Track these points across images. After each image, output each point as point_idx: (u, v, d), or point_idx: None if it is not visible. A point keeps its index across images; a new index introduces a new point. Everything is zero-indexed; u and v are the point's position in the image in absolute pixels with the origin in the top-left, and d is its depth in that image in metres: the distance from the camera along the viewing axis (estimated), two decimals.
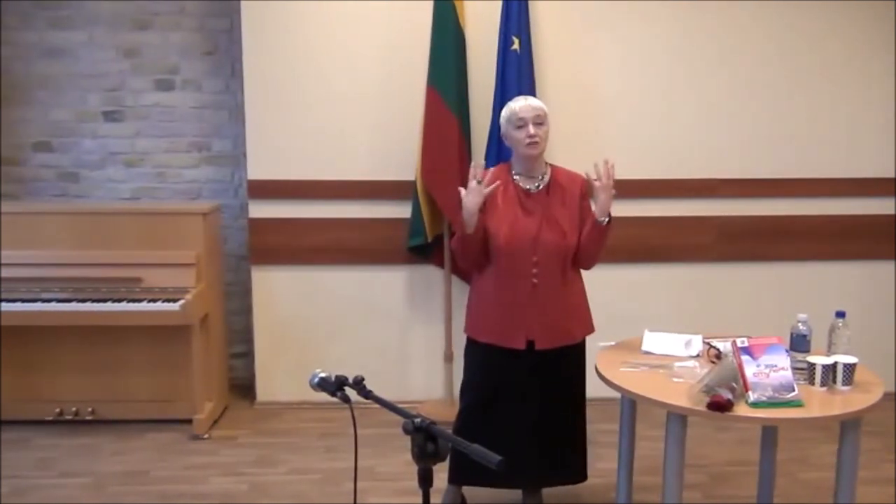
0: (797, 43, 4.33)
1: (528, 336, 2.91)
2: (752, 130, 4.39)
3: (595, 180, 2.82)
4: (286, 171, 4.28)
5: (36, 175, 4.60)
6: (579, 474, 3.14)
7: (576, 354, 3.03)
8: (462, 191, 2.82)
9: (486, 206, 2.87)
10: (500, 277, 2.91)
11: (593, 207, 2.90)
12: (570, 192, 2.95)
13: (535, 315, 2.89)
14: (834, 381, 2.56)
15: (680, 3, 4.26)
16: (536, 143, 2.86)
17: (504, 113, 2.94)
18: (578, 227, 2.92)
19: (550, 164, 3.03)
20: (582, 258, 2.97)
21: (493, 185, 2.82)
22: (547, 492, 3.26)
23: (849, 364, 2.55)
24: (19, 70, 4.50)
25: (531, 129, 2.84)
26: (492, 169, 3.03)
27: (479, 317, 3.00)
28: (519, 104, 2.90)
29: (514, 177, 2.97)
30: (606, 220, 2.86)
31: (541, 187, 2.94)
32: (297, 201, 4.30)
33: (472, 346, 3.05)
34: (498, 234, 2.87)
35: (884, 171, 4.46)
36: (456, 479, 3.11)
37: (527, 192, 2.94)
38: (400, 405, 1.80)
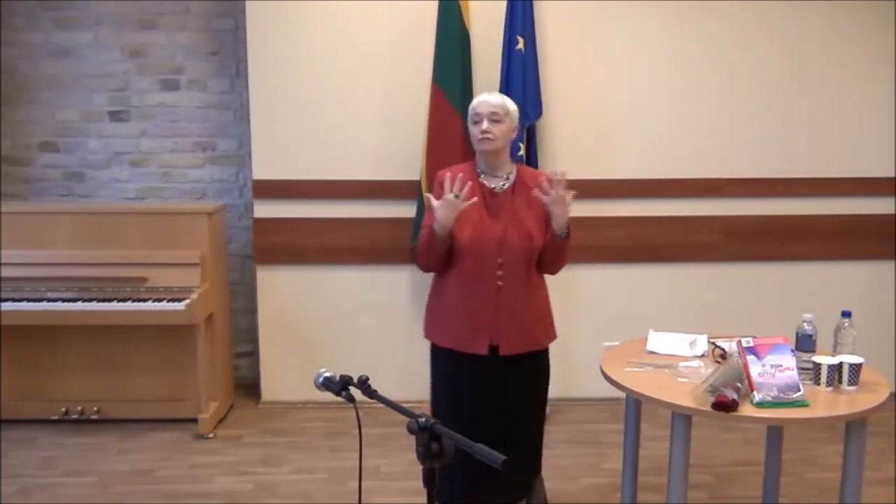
0: (800, 43, 4.33)
1: (492, 341, 2.79)
2: (756, 130, 4.38)
3: (544, 196, 2.68)
4: (291, 171, 4.29)
5: (42, 175, 4.62)
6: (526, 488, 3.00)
7: (541, 361, 2.94)
8: (433, 200, 2.70)
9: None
10: (464, 280, 2.80)
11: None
12: None
13: (499, 319, 2.79)
14: (839, 382, 2.56)
15: (685, 4, 4.26)
16: (489, 139, 2.77)
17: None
18: (544, 228, 2.82)
19: (517, 164, 2.96)
20: (545, 265, 2.89)
21: (471, 201, 2.69)
22: (551, 492, 3.26)
23: (854, 364, 2.55)
24: (25, 70, 4.52)
25: (484, 125, 2.76)
26: (456, 166, 2.92)
27: (439, 320, 2.90)
28: (477, 100, 2.84)
29: (479, 175, 2.87)
30: (565, 233, 2.77)
31: (506, 187, 2.85)
32: (301, 201, 4.31)
33: (434, 351, 2.95)
34: (462, 234, 2.76)
35: (886, 170, 4.45)
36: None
37: (492, 192, 2.84)
38: (404, 405, 1.80)
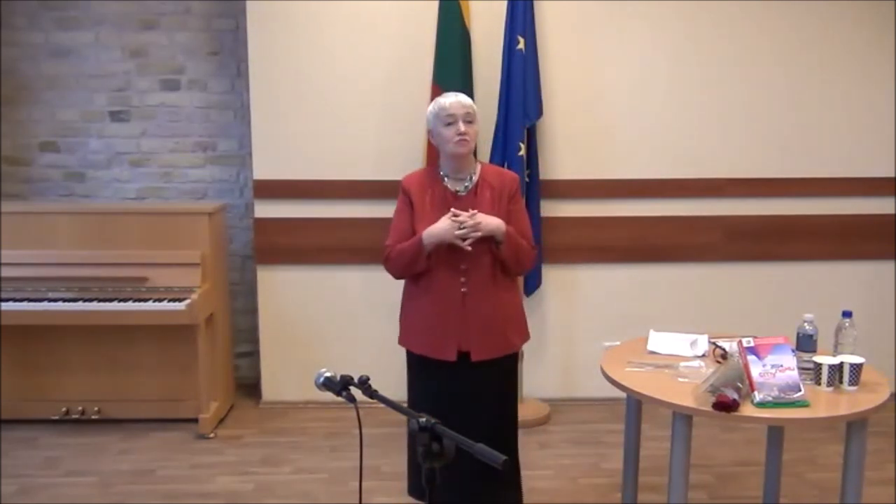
0: (799, 43, 4.32)
1: (461, 347, 2.75)
2: (757, 130, 4.38)
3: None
4: (292, 171, 4.29)
5: (43, 175, 4.62)
6: (514, 493, 2.96)
7: (511, 366, 2.90)
8: (445, 221, 2.68)
9: (414, 211, 2.78)
10: (430, 287, 2.77)
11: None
12: (498, 191, 2.80)
13: (467, 326, 2.74)
14: (840, 382, 2.56)
15: (685, 4, 4.26)
16: (466, 140, 2.69)
17: (432, 109, 2.78)
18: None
19: (480, 162, 2.90)
20: (503, 269, 2.80)
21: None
22: (551, 491, 3.26)
23: (855, 364, 2.55)
24: (26, 70, 4.52)
25: (461, 127, 2.68)
26: (417, 171, 2.88)
27: (410, 327, 2.87)
28: (449, 100, 2.73)
29: (443, 179, 2.81)
30: (500, 241, 2.73)
31: (469, 188, 2.80)
32: (302, 201, 4.31)
33: (408, 358, 2.92)
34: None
35: (886, 170, 4.45)
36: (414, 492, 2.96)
37: (455, 195, 2.79)
38: (405, 405, 1.80)
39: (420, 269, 2.76)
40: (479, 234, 2.66)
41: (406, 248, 2.76)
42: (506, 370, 2.89)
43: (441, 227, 2.68)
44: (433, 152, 4.02)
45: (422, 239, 2.70)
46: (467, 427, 2.61)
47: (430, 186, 2.81)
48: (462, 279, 2.74)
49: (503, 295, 2.82)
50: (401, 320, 2.94)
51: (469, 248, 2.68)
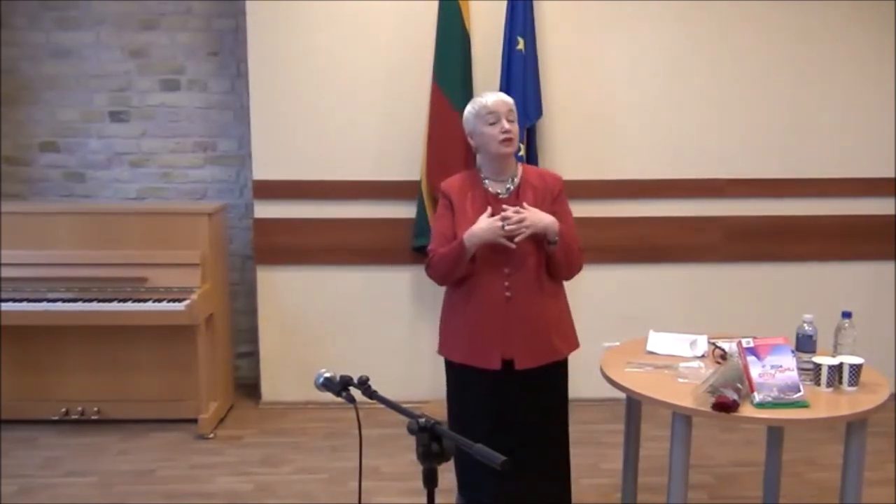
0: (800, 44, 4.32)
1: (505, 355, 2.65)
2: (758, 131, 4.38)
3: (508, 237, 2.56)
4: (291, 171, 4.29)
5: (42, 175, 4.62)
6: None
7: (559, 374, 2.79)
8: (486, 220, 2.58)
9: (455, 214, 2.69)
10: (471, 292, 2.67)
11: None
12: (541, 192, 2.70)
13: (511, 332, 2.64)
14: (840, 382, 2.56)
15: (685, 4, 4.26)
16: (511, 139, 2.61)
17: (471, 109, 2.68)
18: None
19: (521, 164, 2.81)
20: (552, 271, 2.71)
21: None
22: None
23: (855, 365, 2.55)
24: (26, 70, 4.52)
25: (506, 125, 2.60)
26: (458, 175, 2.78)
27: (451, 335, 2.77)
28: (491, 99, 2.64)
29: (484, 181, 2.72)
30: (555, 240, 2.62)
31: (511, 190, 2.70)
32: (302, 201, 4.31)
33: (448, 368, 2.82)
34: None
35: (886, 170, 4.45)
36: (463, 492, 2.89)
37: (496, 197, 2.68)
38: (405, 405, 1.80)
39: (462, 272, 2.66)
40: (529, 230, 2.55)
41: (448, 253, 2.64)
42: (553, 379, 2.77)
43: (482, 227, 2.57)
44: (432, 152, 4.04)
45: (463, 241, 2.59)
46: (519, 439, 2.64)
47: (471, 189, 2.71)
48: (506, 283, 2.64)
49: (548, 300, 2.71)
50: (441, 329, 2.84)
51: (514, 246, 2.57)
